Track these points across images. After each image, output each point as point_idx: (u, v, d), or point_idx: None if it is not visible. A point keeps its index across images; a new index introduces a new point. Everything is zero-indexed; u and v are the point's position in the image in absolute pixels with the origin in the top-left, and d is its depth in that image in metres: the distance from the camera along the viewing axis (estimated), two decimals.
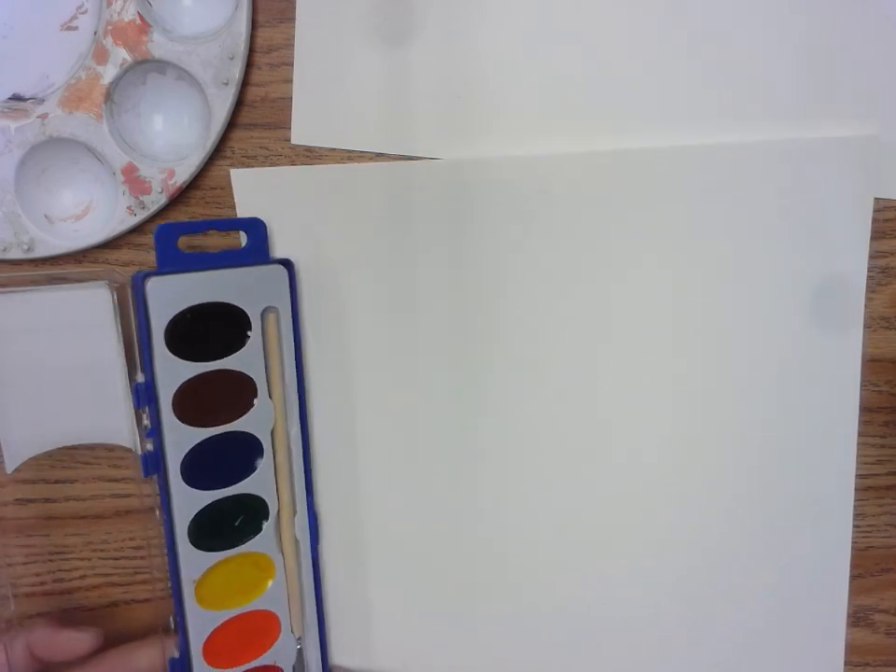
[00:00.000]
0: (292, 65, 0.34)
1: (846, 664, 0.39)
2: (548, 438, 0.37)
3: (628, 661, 0.39)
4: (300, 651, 0.38)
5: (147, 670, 0.35)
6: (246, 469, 0.35)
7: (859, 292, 0.36)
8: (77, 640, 0.35)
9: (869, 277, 0.35)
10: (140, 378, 0.32)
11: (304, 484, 0.36)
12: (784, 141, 0.34)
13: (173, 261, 0.32)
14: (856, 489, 0.37)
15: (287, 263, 0.34)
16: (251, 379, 0.34)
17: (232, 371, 0.33)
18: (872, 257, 0.35)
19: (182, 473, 0.33)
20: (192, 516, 0.33)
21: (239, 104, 0.34)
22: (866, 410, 0.37)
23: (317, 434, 0.37)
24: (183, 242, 0.35)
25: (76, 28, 0.33)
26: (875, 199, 0.35)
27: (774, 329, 0.36)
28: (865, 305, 0.36)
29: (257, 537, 0.35)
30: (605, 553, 0.38)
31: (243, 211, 0.35)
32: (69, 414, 0.33)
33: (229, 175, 0.35)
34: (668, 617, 0.39)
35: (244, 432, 0.34)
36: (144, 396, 0.32)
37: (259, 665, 0.36)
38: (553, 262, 0.36)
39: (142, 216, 0.34)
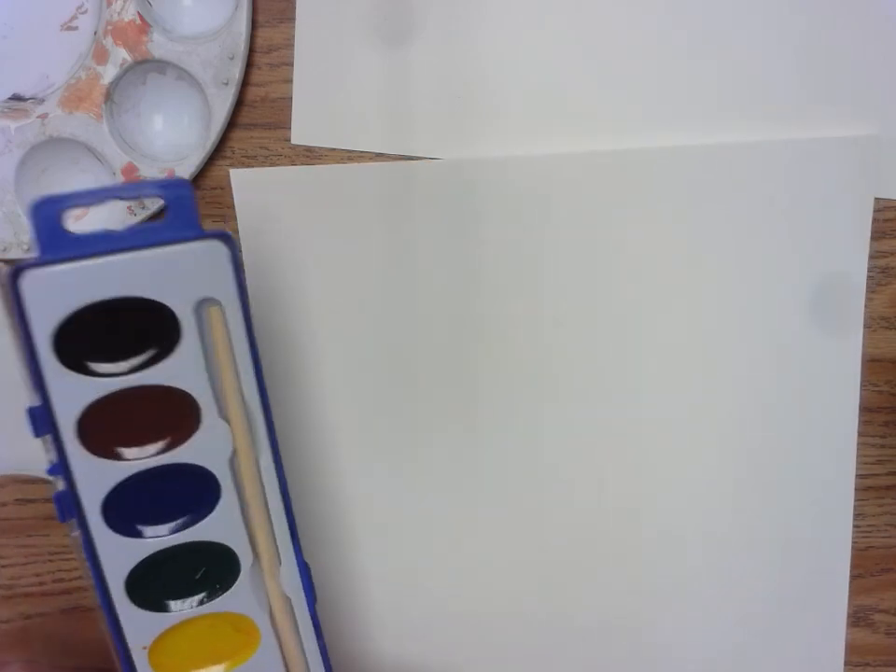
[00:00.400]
0: (292, 65, 0.34)
1: (846, 664, 0.39)
2: (548, 438, 0.37)
3: (628, 659, 0.39)
4: None
5: None
6: (200, 510, 0.28)
7: (859, 292, 0.36)
8: None
9: (869, 277, 0.35)
10: (35, 401, 0.25)
11: (287, 528, 0.29)
12: (784, 141, 0.34)
13: (60, 247, 0.24)
14: (856, 489, 0.37)
15: (225, 238, 0.26)
16: (189, 395, 0.26)
17: (161, 387, 0.26)
18: (872, 257, 0.35)
19: (106, 518, 0.26)
20: (129, 570, 0.27)
21: (239, 104, 0.34)
22: (866, 410, 0.37)
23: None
24: None
25: (76, 28, 0.33)
26: (875, 199, 0.35)
27: (774, 329, 0.36)
28: (865, 305, 0.36)
29: (229, 593, 0.28)
30: (605, 552, 0.38)
31: (242, 211, 0.35)
32: None
33: (228, 175, 0.35)
34: (668, 616, 0.39)
35: (190, 465, 0.27)
36: (41, 423, 0.25)
37: None
38: (552, 262, 0.36)
39: (142, 216, 0.34)
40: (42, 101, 0.33)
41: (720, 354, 0.36)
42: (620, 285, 0.36)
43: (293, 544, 0.29)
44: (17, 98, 0.34)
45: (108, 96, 0.33)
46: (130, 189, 0.26)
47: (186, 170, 0.34)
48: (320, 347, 0.36)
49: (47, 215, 0.24)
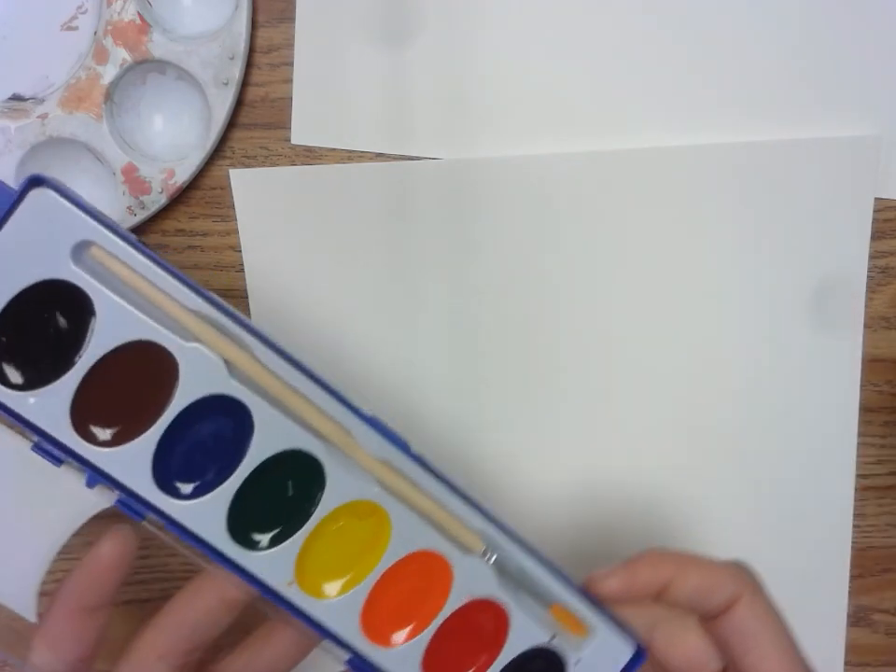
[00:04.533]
0: (292, 65, 0.34)
1: (846, 664, 0.39)
2: (548, 440, 0.37)
3: None
4: (496, 564, 0.27)
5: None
6: (245, 434, 0.25)
7: (859, 292, 0.36)
8: None
9: (869, 277, 0.35)
10: (31, 439, 0.25)
11: (331, 397, 0.26)
12: (784, 141, 0.34)
13: None
14: (856, 489, 0.37)
15: (38, 181, 0.23)
16: (144, 342, 0.24)
17: (113, 350, 0.24)
18: (872, 257, 0.35)
19: (168, 493, 0.25)
20: (223, 526, 0.25)
21: (239, 104, 0.34)
22: (866, 410, 0.37)
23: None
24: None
25: (76, 28, 0.33)
26: (875, 199, 0.35)
27: (774, 330, 0.36)
28: (865, 305, 0.36)
29: (328, 489, 0.26)
30: (603, 558, 0.38)
31: (242, 211, 0.35)
32: (29, 523, 0.27)
33: (228, 175, 0.35)
34: None
35: (197, 401, 0.25)
36: (47, 451, 0.25)
37: (455, 607, 0.27)
38: (553, 263, 0.36)
39: (142, 216, 0.34)
40: (42, 101, 0.33)
41: (720, 354, 0.36)
42: (620, 284, 0.36)
43: (349, 407, 0.26)
44: (17, 98, 0.34)
45: (108, 96, 0.33)
46: None
47: (186, 170, 0.34)
48: (320, 346, 0.36)
49: None
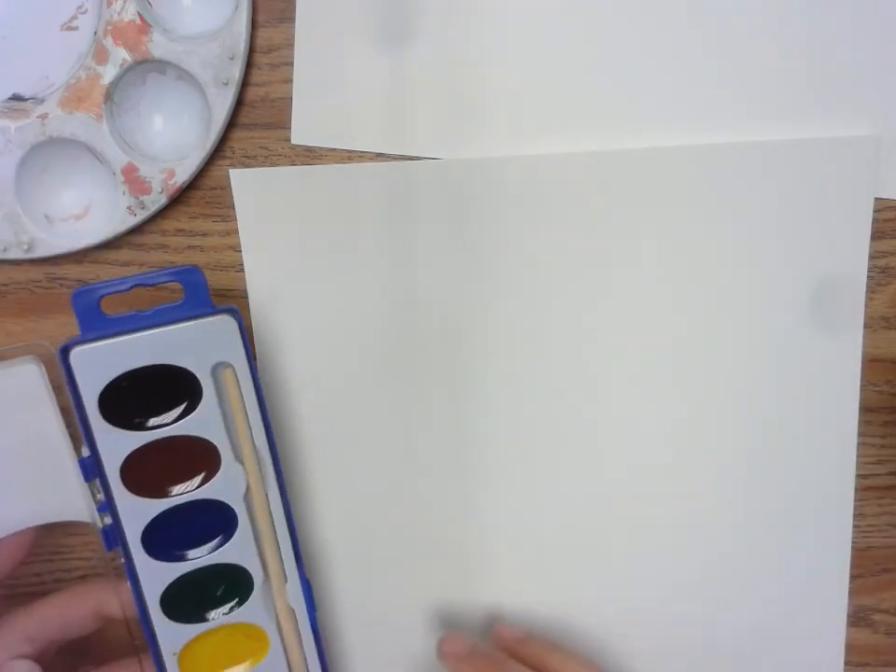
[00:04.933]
0: (292, 65, 0.34)
1: (846, 664, 0.39)
2: (547, 439, 0.37)
3: (624, 660, 0.39)
4: None
5: None
6: (220, 538, 0.33)
7: (859, 292, 0.36)
8: None
9: (869, 277, 0.35)
10: (84, 452, 0.31)
11: (292, 551, 0.34)
12: (784, 141, 0.34)
13: (98, 326, 0.30)
14: (856, 489, 0.37)
15: (233, 312, 0.31)
16: (211, 443, 0.32)
17: (187, 437, 0.31)
18: (872, 257, 0.35)
19: (144, 546, 0.31)
20: (163, 589, 0.32)
21: (239, 104, 0.34)
22: (866, 410, 0.37)
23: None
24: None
25: (76, 28, 0.33)
26: (875, 199, 0.35)
27: (774, 330, 0.36)
28: (865, 305, 0.36)
29: (243, 607, 0.33)
30: (604, 555, 0.38)
31: (242, 211, 0.35)
32: (22, 495, 0.33)
33: (228, 175, 0.35)
34: (669, 617, 0.39)
35: (212, 500, 0.32)
36: (90, 470, 0.31)
37: None
38: (553, 263, 0.36)
39: (142, 216, 0.34)
40: (42, 101, 0.33)
41: (719, 354, 0.36)
42: (620, 284, 0.36)
43: (297, 564, 0.34)
44: (17, 98, 0.34)
45: (108, 96, 0.33)
46: (152, 277, 0.31)
47: (186, 170, 0.34)
48: (319, 346, 0.36)
49: (86, 301, 0.30)
